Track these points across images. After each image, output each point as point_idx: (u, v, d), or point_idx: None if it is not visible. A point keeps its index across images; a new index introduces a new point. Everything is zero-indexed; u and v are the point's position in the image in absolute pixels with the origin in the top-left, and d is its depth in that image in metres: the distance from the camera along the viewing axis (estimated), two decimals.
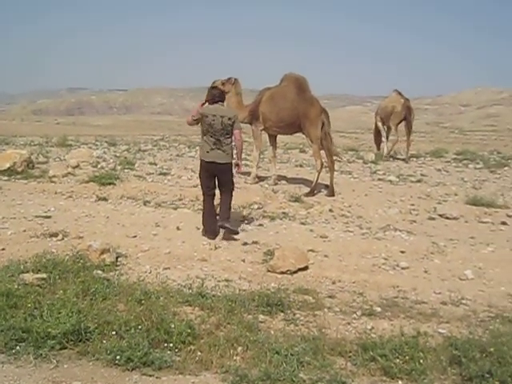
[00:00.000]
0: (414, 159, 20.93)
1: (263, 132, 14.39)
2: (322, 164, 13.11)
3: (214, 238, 9.77)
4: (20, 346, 5.65)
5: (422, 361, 5.65)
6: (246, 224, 10.70)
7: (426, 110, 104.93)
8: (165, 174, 14.49)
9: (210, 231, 9.91)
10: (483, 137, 53.57)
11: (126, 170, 14.56)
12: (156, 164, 16.16)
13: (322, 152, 13.45)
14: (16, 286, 6.77)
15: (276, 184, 13.96)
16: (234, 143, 10.01)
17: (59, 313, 6.04)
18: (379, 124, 22.43)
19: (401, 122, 21.45)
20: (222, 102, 10.19)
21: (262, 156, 15.26)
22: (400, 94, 21.84)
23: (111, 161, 16.61)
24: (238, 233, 9.99)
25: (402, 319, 6.88)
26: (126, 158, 14.97)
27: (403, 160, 20.99)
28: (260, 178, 14.27)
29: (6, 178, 13.41)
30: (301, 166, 17.41)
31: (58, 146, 20.49)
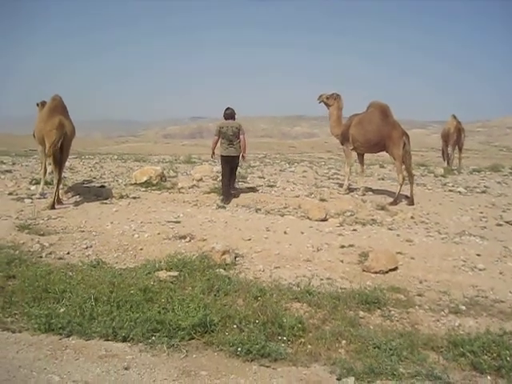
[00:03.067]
0: (477, 173, 19.92)
1: (353, 151, 13.81)
2: (403, 178, 12.47)
3: (229, 202, 12.12)
4: (155, 336, 5.33)
5: (508, 358, 5.00)
6: (343, 229, 10.05)
7: (478, 131, 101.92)
8: (271, 186, 14.08)
9: (226, 196, 12.30)
10: None
11: (240, 183, 14.20)
12: (264, 177, 15.76)
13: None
14: (152, 283, 6.45)
15: (364, 195, 13.36)
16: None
17: (188, 307, 5.71)
18: (443, 143, 21.88)
19: (456, 141, 20.96)
20: (232, 119, 12.88)
21: (352, 171, 14.57)
22: (455, 117, 21.30)
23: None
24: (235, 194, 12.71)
25: (485, 317, 6.22)
26: (239, 172, 14.63)
27: (456, 171, 20.10)
28: (350, 190, 13.69)
29: (143, 189, 13.28)
30: (382, 179, 16.73)
31: (184, 162, 20.41)
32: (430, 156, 37.13)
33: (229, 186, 12.58)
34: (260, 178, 15.80)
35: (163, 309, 5.71)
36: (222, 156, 12.72)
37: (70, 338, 5.34)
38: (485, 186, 15.66)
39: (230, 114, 12.90)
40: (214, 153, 13.06)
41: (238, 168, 13.68)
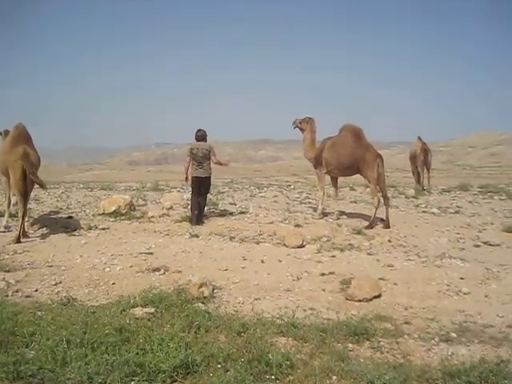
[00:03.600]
0: (447, 193, 19.95)
1: (326, 175, 13.68)
2: (379, 201, 12.35)
3: (198, 223, 12.43)
4: (134, 381, 4.87)
5: None
6: (321, 256, 9.80)
7: (441, 151, 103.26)
8: (244, 213, 13.88)
9: (195, 216, 12.60)
10: (491, 172, 52.31)
11: (211, 210, 13.93)
12: (235, 204, 15.54)
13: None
14: (128, 321, 6.05)
15: (338, 219, 13.23)
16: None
17: (168, 347, 5.30)
18: (412, 165, 22.15)
19: (423, 161, 21.32)
20: (204, 141, 13.12)
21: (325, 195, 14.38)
22: (420, 139, 21.73)
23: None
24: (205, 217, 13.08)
25: (477, 344, 5.95)
26: (210, 199, 14.39)
27: (427, 191, 20.46)
28: (324, 214, 13.51)
29: (112, 219, 12.95)
30: (355, 202, 16.64)
31: (152, 190, 20.12)
32: (396, 176, 37.36)
33: (198, 204, 12.78)
34: (231, 204, 15.59)
35: (141, 350, 5.31)
36: (192, 177, 12.92)
37: None
38: (457, 206, 15.66)
39: (201, 136, 13.10)
40: (187, 176, 13.01)
41: (209, 195, 13.48)
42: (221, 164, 13.55)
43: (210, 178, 13.13)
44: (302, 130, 14.01)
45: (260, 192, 19.42)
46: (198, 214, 12.67)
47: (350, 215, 13.78)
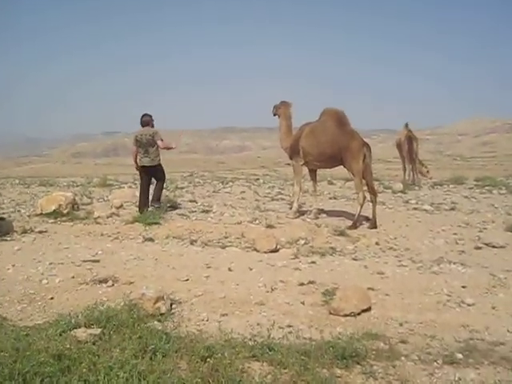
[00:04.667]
0: (439, 187, 19.90)
1: (303, 166, 13.42)
2: (364, 197, 12.16)
3: (144, 210, 12.86)
4: None
5: None
6: (299, 262, 9.50)
7: (427, 139, 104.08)
8: (207, 212, 13.61)
9: (142, 206, 13.10)
10: (484, 162, 52.66)
11: (169, 209, 13.57)
12: (196, 202, 15.21)
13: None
14: (68, 346, 5.61)
15: (317, 218, 13.00)
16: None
17: (117, 377, 4.92)
18: (399, 155, 22.49)
19: (408, 151, 21.59)
20: (149, 126, 13.42)
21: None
22: (406, 126, 22.00)
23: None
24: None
25: (488, 366, 5.68)
26: (166, 196, 14.07)
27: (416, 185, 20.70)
28: (300, 212, 13.25)
29: (52, 220, 12.55)
30: (335, 198, 16.46)
31: (99, 186, 19.75)
32: (379, 168, 37.35)
33: (146, 195, 13.37)
34: (191, 201, 15.30)
35: (85, 381, 4.93)
36: (139, 166, 13.43)
37: None
38: (452, 202, 15.56)
39: (145, 121, 13.47)
40: (137, 164, 13.43)
41: (165, 191, 13.23)
42: (169, 148, 13.68)
43: (158, 165, 13.44)
44: (277, 116, 13.74)
45: (224, 187, 19.17)
46: (144, 200, 13.27)
47: (331, 213, 13.56)
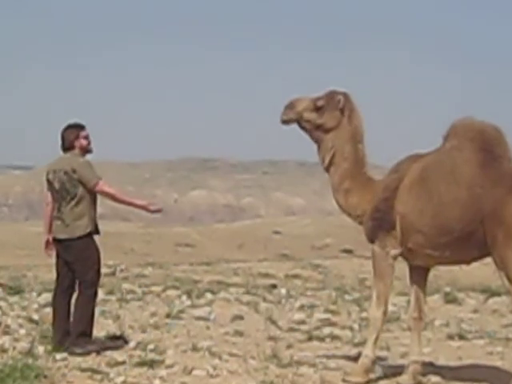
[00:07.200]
0: None
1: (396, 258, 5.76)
2: None
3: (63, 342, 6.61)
4: None
5: None
6: None
7: None
8: (150, 365, 5.86)
9: (59, 336, 6.72)
10: None
11: (57, 355, 6.18)
12: (126, 340, 7.19)
13: None
14: None
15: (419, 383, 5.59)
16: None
17: None
18: None
19: None
20: (73, 149, 7.05)
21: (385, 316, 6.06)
22: None
23: (21, 332, 8.06)
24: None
25: None
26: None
27: None
28: (377, 368, 5.67)
29: None
30: (460, 336, 8.37)
31: None
32: None
33: (64, 313, 6.94)
34: (115, 338, 7.41)
35: None
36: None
37: None
38: None
39: (68, 142, 7.13)
40: (48, 239, 7.19)
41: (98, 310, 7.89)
42: (131, 204, 7.33)
43: (79, 241, 6.92)
44: (313, 127, 6.09)
45: (194, 305, 10.37)
46: (60, 337, 6.73)
47: (453, 374, 5.92)
